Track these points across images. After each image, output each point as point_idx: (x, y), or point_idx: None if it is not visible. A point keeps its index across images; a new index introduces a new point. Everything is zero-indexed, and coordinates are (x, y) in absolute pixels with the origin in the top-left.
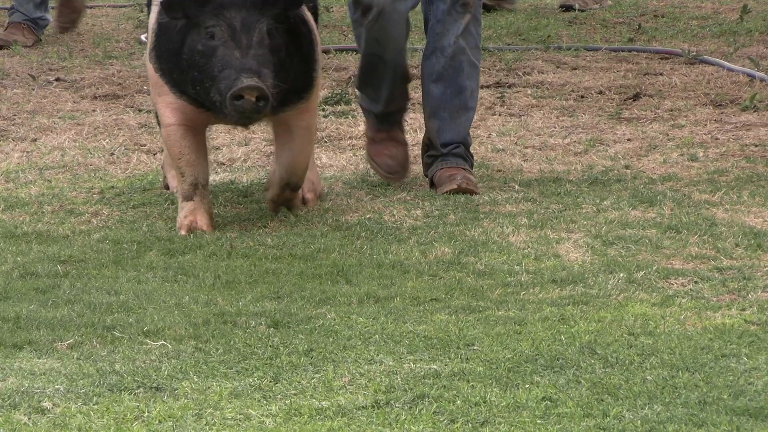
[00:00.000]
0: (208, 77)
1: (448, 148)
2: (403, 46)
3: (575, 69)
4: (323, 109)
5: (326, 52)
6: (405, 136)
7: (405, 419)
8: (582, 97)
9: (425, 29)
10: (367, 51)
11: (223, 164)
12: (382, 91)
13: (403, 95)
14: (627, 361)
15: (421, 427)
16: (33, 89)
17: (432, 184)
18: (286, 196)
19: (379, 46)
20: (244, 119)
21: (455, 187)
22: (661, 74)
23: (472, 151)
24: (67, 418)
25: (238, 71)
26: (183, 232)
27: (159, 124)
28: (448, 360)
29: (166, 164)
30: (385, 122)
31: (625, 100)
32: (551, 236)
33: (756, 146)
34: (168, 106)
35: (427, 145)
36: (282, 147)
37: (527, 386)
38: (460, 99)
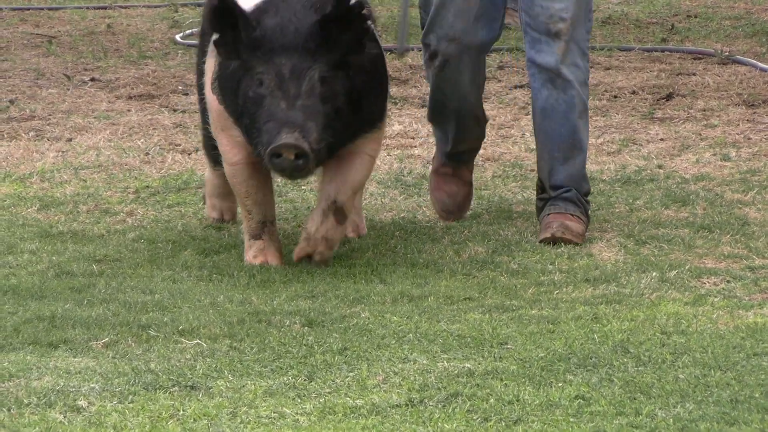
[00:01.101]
0: (256, 127)
1: (558, 192)
2: (469, 92)
3: (608, 69)
4: None
5: None
6: (471, 176)
7: (438, 417)
8: (615, 97)
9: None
10: (433, 95)
11: None
12: (449, 131)
13: (474, 136)
14: (659, 360)
15: (454, 425)
16: (68, 89)
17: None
18: (327, 226)
19: (443, 94)
20: (286, 178)
21: (548, 235)
22: (694, 74)
23: None
24: (103, 417)
25: (281, 125)
26: (255, 262)
27: (206, 148)
28: (481, 359)
29: (207, 193)
30: (453, 159)
31: (658, 100)
32: (585, 235)
33: None
34: (233, 141)
35: (540, 187)
36: (339, 166)
37: (560, 385)
38: (573, 139)
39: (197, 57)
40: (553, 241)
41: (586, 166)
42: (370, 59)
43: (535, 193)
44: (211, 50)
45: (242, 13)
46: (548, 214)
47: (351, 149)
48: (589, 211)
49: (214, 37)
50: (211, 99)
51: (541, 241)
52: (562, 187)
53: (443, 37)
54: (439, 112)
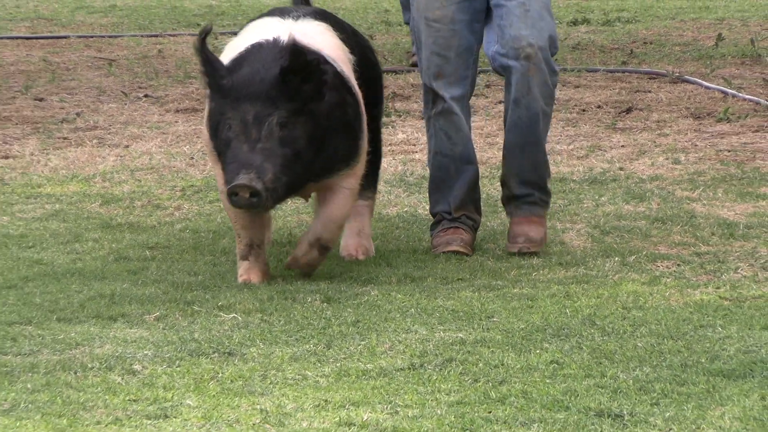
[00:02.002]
0: (225, 167)
1: (520, 198)
2: (470, 137)
3: (578, 87)
4: None
5: None
6: (471, 238)
7: (436, 379)
8: (583, 110)
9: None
10: (437, 149)
11: None
12: (453, 192)
13: (474, 203)
14: (621, 331)
15: (449, 385)
16: (125, 104)
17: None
18: (311, 256)
19: (449, 140)
20: (246, 213)
21: (515, 251)
22: (649, 91)
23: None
24: (154, 378)
25: (240, 166)
26: (242, 282)
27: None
28: (471, 329)
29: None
30: (454, 221)
31: (619, 113)
32: (558, 226)
33: (729, 151)
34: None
35: (505, 195)
36: (321, 204)
37: (538, 351)
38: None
39: None
40: (520, 254)
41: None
42: (332, 106)
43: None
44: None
45: (214, 63)
46: (515, 219)
47: (330, 185)
48: (550, 200)
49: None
50: (204, 133)
51: (509, 252)
52: (525, 195)
53: (432, 75)
54: (444, 170)
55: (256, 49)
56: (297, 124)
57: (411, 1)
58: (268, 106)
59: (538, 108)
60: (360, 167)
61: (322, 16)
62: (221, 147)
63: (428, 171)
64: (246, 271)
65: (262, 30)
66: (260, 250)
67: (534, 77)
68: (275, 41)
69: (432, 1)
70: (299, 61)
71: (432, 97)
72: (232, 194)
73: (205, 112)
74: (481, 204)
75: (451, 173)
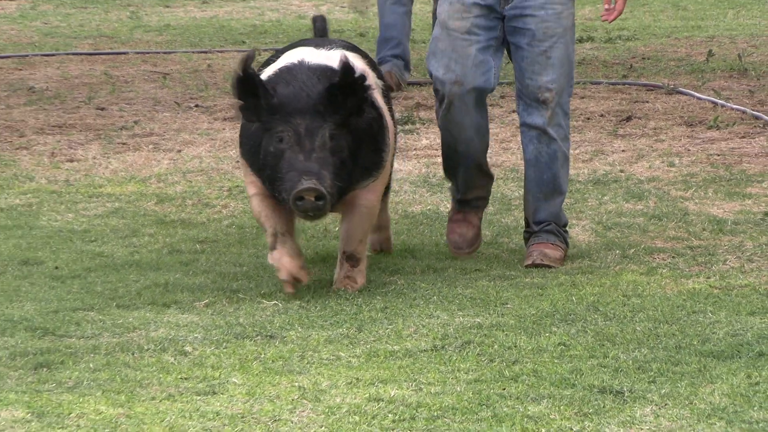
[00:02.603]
0: (278, 177)
1: (540, 226)
2: (474, 137)
3: (583, 98)
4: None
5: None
6: (479, 221)
7: (456, 359)
8: (588, 119)
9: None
10: (443, 142)
11: None
12: (458, 179)
13: (480, 186)
14: (621, 316)
15: (467, 365)
16: (178, 113)
17: None
18: (345, 271)
19: (451, 136)
20: (307, 217)
21: (530, 262)
22: (647, 102)
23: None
24: (203, 359)
25: (300, 173)
26: (283, 277)
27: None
28: (488, 315)
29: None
30: (464, 206)
31: (620, 121)
32: None
33: (718, 155)
34: (251, 182)
35: (526, 222)
36: (343, 221)
37: (547, 335)
38: (554, 184)
39: None
40: (534, 266)
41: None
42: (367, 121)
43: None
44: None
45: (262, 83)
46: (532, 244)
47: (352, 200)
48: (568, 239)
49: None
50: (242, 150)
51: (525, 266)
52: (544, 222)
53: (448, 81)
54: (449, 157)
55: (290, 70)
56: (342, 136)
57: (437, 12)
58: (318, 119)
59: (553, 155)
60: (382, 181)
61: (350, 47)
62: (268, 159)
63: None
64: (277, 260)
65: (302, 58)
66: (285, 237)
67: (552, 124)
68: (309, 63)
69: (454, 12)
70: (349, 77)
71: (442, 100)
72: (298, 199)
73: (240, 130)
74: (496, 200)
75: (455, 163)
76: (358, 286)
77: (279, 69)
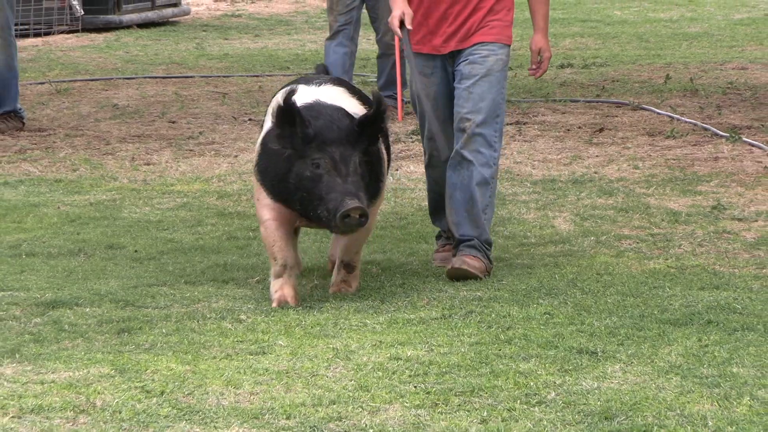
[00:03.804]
0: (316, 198)
1: (464, 243)
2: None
3: (564, 113)
4: (411, 137)
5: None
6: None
7: (460, 326)
8: (568, 130)
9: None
10: (430, 188)
11: None
12: (443, 219)
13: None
14: (596, 291)
15: (470, 330)
16: (235, 125)
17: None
18: (341, 276)
19: (437, 185)
20: (349, 232)
21: (449, 268)
22: (616, 116)
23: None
24: (255, 325)
25: (343, 195)
26: (274, 305)
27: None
28: (486, 289)
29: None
30: (449, 239)
31: (594, 132)
32: (549, 214)
33: (674, 160)
34: (266, 206)
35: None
36: (343, 236)
37: (535, 305)
38: (471, 203)
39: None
40: (455, 277)
41: (551, 173)
42: (377, 150)
43: (513, 189)
44: (258, 141)
45: (300, 114)
46: (454, 255)
47: None
48: (490, 255)
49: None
50: (253, 179)
51: (448, 276)
52: (467, 237)
53: (427, 137)
54: (436, 202)
55: (314, 106)
56: (365, 163)
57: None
58: (349, 147)
59: (467, 181)
60: (378, 205)
61: (339, 82)
62: (304, 183)
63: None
64: (280, 287)
65: (300, 94)
66: (292, 271)
67: (468, 149)
68: (326, 102)
69: (420, 84)
70: (379, 110)
71: (425, 152)
72: (345, 217)
73: (256, 156)
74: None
75: (440, 205)
76: (352, 289)
77: (304, 105)
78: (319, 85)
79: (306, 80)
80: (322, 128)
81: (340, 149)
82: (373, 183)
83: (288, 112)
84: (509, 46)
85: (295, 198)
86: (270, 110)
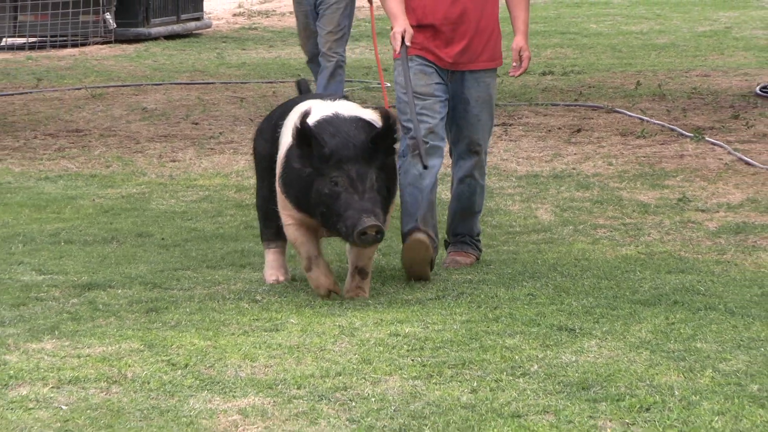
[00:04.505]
0: (335, 214)
1: (456, 238)
2: (435, 179)
3: (545, 116)
4: None
5: None
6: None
7: (453, 305)
8: (549, 130)
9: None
10: (409, 183)
11: None
12: (419, 212)
13: (433, 228)
14: (574, 274)
15: (461, 310)
16: (251, 126)
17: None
18: (356, 283)
19: (419, 174)
20: (366, 247)
21: (445, 266)
22: (592, 118)
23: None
24: (269, 305)
25: (360, 212)
26: (322, 293)
27: (261, 234)
28: (476, 273)
29: (266, 268)
30: (419, 232)
31: (572, 132)
32: (532, 206)
33: (644, 157)
34: (289, 215)
35: (445, 241)
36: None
37: (519, 287)
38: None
39: (255, 144)
40: (451, 266)
41: (534, 169)
42: (391, 164)
43: (500, 183)
44: (281, 154)
45: (315, 135)
46: (450, 252)
47: None
48: (480, 245)
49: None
50: (278, 189)
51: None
52: (459, 234)
53: (423, 128)
54: (412, 195)
55: (328, 122)
56: (381, 178)
57: (395, 81)
58: (365, 164)
59: (474, 189)
60: (389, 215)
61: (346, 98)
62: (323, 199)
63: (402, 198)
64: (315, 280)
65: (316, 109)
66: (318, 259)
67: (478, 168)
68: (342, 115)
69: (417, 80)
70: (389, 125)
71: (416, 144)
72: (362, 234)
73: (280, 168)
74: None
75: (417, 200)
76: (366, 294)
77: (318, 120)
78: (333, 100)
79: (321, 96)
80: (338, 146)
81: (356, 167)
82: (387, 195)
83: (304, 135)
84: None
85: (317, 212)
86: (282, 124)
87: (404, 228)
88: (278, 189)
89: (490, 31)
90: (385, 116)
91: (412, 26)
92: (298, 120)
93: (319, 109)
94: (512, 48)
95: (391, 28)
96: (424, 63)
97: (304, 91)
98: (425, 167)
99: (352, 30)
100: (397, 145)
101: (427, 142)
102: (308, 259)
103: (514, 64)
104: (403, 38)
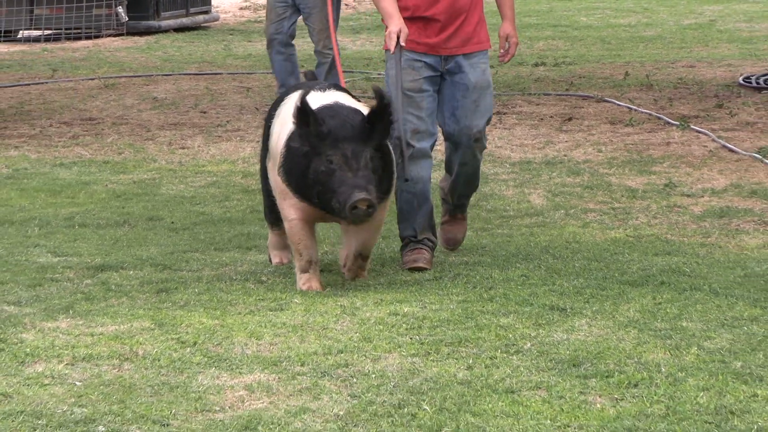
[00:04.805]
0: (330, 191)
1: (461, 200)
2: (429, 179)
3: (538, 105)
4: None
5: None
6: (431, 256)
7: (449, 286)
8: (541, 119)
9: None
10: (405, 189)
11: None
12: (417, 221)
13: (430, 228)
14: (565, 256)
15: (458, 290)
16: (257, 115)
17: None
18: (358, 265)
19: (413, 181)
20: (359, 222)
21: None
22: (582, 107)
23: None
24: (274, 285)
25: (352, 187)
26: (305, 288)
27: (266, 217)
28: (472, 255)
29: (270, 247)
30: (418, 243)
31: (564, 121)
32: (526, 191)
33: (632, 145)
34: (292, 206)
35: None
36: (360, 229)
37: (513, 268)
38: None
39: (263, 139)
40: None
41: (527, 155)
42: (388, 147)
43: (494, 169)
44: (280, 144)
45: (314, 114)
46: (451, 216)
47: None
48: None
49: (285, 138)
50: (277, 180)
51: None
52: (464, 196)
53: (409, 130)
54: (409, 202)
55: (329, 107)
56: (377, 158)
57: (386, 74)
58: (361, 144)
59: (478, 165)
60: (389, 201)
61: (338, 87)
62: (319, 177)
63: (398, 203)
64: (308, 281)
65: (315, 99)
66: (316, 266)
67: (479, 150)
68: (339, 102)
69: (405, 75)
70: (382, 103)
71: (405, 147)
72: (354, 208)
73: (280, 158)
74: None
75: (414, 206)
76: (365, 275)
77: (322, 106)
78: (324, 91)
79: (311, 87)
80: (336, 126)
81: (351, 146)
82: (384, 178)
83: (304, 113)
84: None
85: (314, 192)
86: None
87: (402, 233)
88: (278, 180)
89: (478, 16)
90: (380, 96)
91: (404, 18)
92: (298, 99)
93: (318, 96)
94: (499, 35)
95: (386, 27)
96: (414, 58)
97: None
98: (406, 180)
99: (353, 23)
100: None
101: (412, 146)
102: (308, 263)
103: (502, 50)
104: (398, 38)
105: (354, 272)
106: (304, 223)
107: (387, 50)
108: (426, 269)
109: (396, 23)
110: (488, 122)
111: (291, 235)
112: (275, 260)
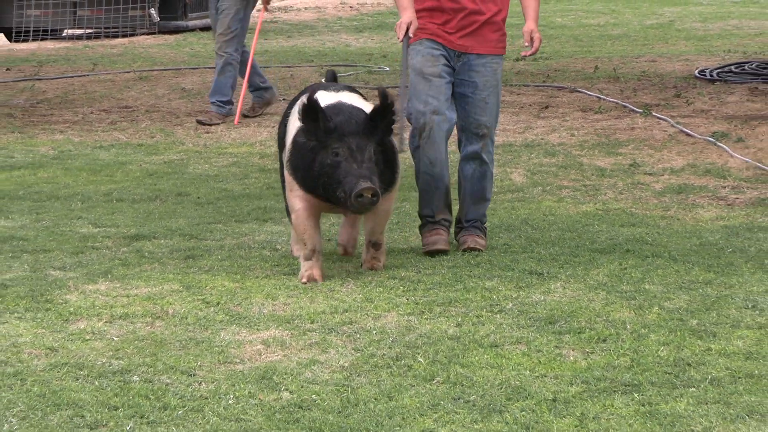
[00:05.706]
0: (335, 182)
1: (469, 223)
2: (446, 161)
3: (519, 95)
4: None
5: None
6: (447, 235)
7: (455, 266)
8: (521, 107)
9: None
10: (421, 170)
11: None
12: (434, 202)
13: (447, 208)
14: (542, 227)
15: (448, 256)
16: (275, 105)
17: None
18: (371, 254)
19: (429, 160)
20: (363, 210)
21: (466, 246)
22: (557, 97)
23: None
24: (288, 253)
25: (357, 177)
26: (304, 281)
27: (288, 213)
28: None
29: (293, 242)
30: (435, 224)
31: (541, 109)
32: (507, 170)
33: (601, 129)
34: (298, 197)
35: (458, 220)
36: (368, 219)
37: (497, 238)
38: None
39: (279, 136)
40: (470, 249)
41: (508, 139)
42: (391, 142)
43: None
44: (288, 140)
45: (322, 110)
46: (464, 235)
47: (376, 206)
48: (486, 232)
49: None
50: (286, 173)
51: (463, 251)
52: (472, 220)
53: (428, 111)
54: (427, 182)
55: (335, 105)
56: (379, 152)
57: (411, 64)
58: (365, 138)
59: (485, 173)
60: (395, 192)
61: (350, 89)
62: (325, 169)
63: (418, 184)
64: (310, 268)
65: (322, 98)
66: (319, 255)
67: (486, 147)
68: (345, 102)
69: (426, 62)
70: (386, 102)
71: (423, 128)
72: (359, 196)
73: (288, 153)
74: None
75: (432, 187)
76: (381, 264)
77: (328, 105)
78: (337, 92)
79: (325, 87)
80: (341, 122)
81: (356, 139)
82: (388, 172)
83: (312, 109)
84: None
85: (319, 184)
86: (294, 111)
87: (421, 210)
88: (286, 173)
89: (500, 25)
90: (383, 95)
91: (427, 9)
92: (305, 97)
93: (326, 95)
94: (524, 31)
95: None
96: (432, 46)
97: (330, 80)
98: (400, 151)
99: (356, 23)
100: (395, 125)
101: (431, 127)
102: (312, 251)
103: (526, 44)
104: (407, 29)
105: (370, 263)
106: (309, 213)
107: (403, 42)
108: (446, 251)
109: (408, 15)
110: (497, 121)
111: (296, 224)
112: (297, 253)
